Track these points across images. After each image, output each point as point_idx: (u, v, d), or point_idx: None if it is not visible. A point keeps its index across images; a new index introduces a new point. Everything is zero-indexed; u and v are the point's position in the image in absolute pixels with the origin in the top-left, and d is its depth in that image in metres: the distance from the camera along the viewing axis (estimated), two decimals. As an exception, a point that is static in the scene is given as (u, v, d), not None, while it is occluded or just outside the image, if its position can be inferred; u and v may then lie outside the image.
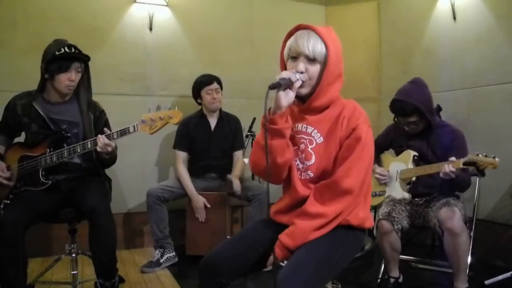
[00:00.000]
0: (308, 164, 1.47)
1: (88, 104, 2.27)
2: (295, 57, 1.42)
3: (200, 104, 3.23)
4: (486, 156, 2.05)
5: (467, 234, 2.17)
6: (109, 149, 2.04)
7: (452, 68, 3.23)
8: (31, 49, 2.98)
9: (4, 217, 1.92)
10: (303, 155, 1.48)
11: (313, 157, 1.46)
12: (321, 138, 1.46)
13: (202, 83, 3.15)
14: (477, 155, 2.07)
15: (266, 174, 1.40)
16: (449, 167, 2.12)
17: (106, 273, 2.10)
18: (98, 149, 2.04)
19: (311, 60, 1.40)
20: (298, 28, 1.45)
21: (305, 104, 1.48)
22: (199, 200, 3.01)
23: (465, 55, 3.13)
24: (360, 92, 3.82)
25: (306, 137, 1.48)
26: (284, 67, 1.49)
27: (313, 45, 1.39)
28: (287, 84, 1.34)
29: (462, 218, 2.17)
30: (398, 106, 2.36)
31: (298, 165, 1.50)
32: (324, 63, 1.41)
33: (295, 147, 1.50)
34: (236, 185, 2.99)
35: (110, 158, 2.19)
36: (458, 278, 2.19)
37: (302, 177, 1.49)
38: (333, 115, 1.45)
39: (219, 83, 3.19)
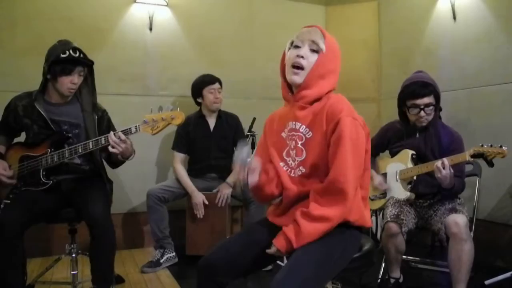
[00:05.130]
0: (299, 160, 1.48)
1: (93, 106, 2.27)
2: (297, 46, 1.47)
3: (199, 104, 3.22)
4: (491, 146, 2.02)
5: (472, 244, 2.12)
6: (123, 145, 2.00)
7: (452, 68, 3.23)
8: (31, 49, 2.98)
9: (3, 217, 1.92)
10: (294, 151, 1.49)
11: (304, 152, 1.47)
12: (310, 132, 1.47)
13: (205, 82, 3.15)
14: (482, 146, 2.03)
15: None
16: (441, 163, 2.08)
17: (102, 282, 2.07)
18: (110, 149, 2.00)
19: (313, 50, 1.45)
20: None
21: (295, 94, 1.51)
22: (198, 196, 3.00)
23: (465, 55, 3.13)
24: (360, 92, 3.81)
25: (295, 134, 1.50)
26: (283, 74, 1.54)
27: (318, 37, 1.46)
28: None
29: (468, 225, 2.14)
30: (414, 87, 2.27)
31: (291, 164, 1.51)
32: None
33: (286, 148, 1.52)
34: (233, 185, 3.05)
35: (126, 159, 2.16)
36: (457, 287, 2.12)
37: (296, 175, 1.49)
38: (317, 108, 1.47)
39: (220, 83, 3.21)
